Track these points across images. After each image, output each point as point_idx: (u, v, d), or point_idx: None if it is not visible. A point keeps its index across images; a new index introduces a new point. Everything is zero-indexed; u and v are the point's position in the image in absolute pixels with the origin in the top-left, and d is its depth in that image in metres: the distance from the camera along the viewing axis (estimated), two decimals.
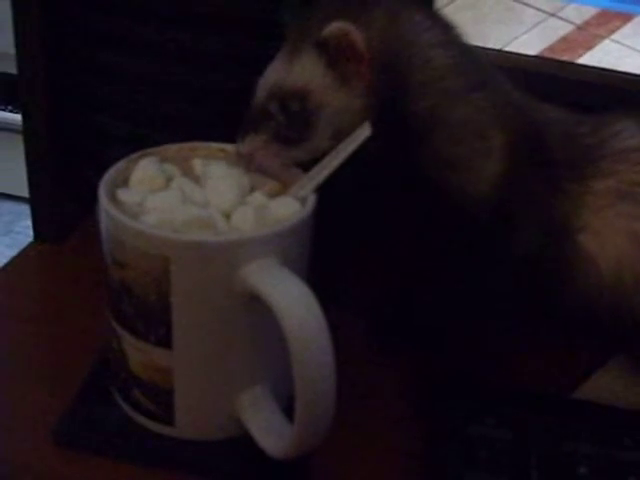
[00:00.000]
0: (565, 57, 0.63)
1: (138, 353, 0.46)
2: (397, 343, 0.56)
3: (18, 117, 0.64)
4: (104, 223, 0.46)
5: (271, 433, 0.45)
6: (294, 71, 0.49)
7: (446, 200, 0.50)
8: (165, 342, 0.45)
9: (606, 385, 0.55)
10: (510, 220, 0.52)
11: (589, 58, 0.63)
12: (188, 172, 0.49)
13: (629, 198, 0.52)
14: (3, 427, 0.50)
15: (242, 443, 0.46)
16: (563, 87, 0.61)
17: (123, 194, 0.47)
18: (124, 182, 0.48)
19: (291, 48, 0.50)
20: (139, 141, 0.51)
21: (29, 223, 0.67)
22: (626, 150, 0.53)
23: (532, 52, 0.64)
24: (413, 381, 0.54)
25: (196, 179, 0.49)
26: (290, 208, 0.46)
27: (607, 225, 0.52)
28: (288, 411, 0.44)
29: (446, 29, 0.51)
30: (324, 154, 0.48)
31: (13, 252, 0.66)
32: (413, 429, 0.50)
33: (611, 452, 0.47)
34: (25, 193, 0.65)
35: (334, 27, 0.47)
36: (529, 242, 0.52)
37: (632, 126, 0.54)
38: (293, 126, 0.49)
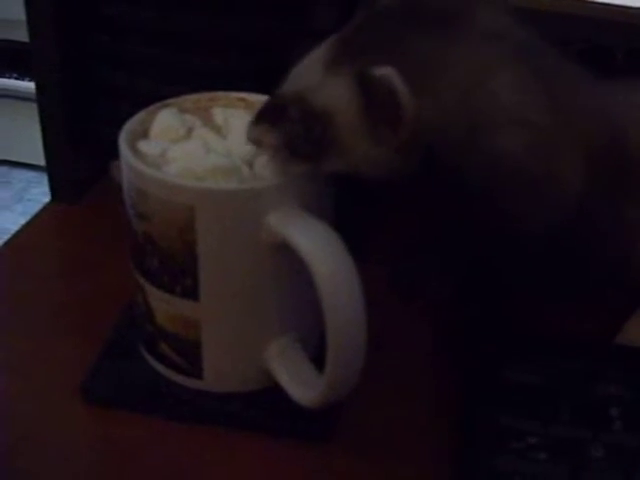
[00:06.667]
0: None
1: (164, 306, 0.46)
2: (424, 291, 0.56)
3: (25, 84, 0.63)
4: (126, 175, 0.45)
5: (301, 383, 0.45)
6: (326, 91, 0.43)
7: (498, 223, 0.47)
8: (191, 294, 0.44)
9: None
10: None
11: None
12: (208, 122, 0.49)
13: None
14: (31, 385, 0.50)
15: (270, 394, 0.46)
16: (581, 27, 0.59)
17: (144, 146, 0.46)
18: (144, 134, 0.47)
19: (334, 55, 0.43)
20: (153, 96, 0.50)
21: (41, 190, 0.66)
22: None
23: None
24: (443, 328, 0.53)
25: (217, 129, 0.48)
26: None
27: None
28: (316, 362, 0.44)
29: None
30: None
31: (27, 219, 0.65)
32: (444, 376, 0.50)
33: None
34: (36, 160, 0.64)
35: (386, 74, 0.41)
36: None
37: None
38: (308, 144, 0.43)
